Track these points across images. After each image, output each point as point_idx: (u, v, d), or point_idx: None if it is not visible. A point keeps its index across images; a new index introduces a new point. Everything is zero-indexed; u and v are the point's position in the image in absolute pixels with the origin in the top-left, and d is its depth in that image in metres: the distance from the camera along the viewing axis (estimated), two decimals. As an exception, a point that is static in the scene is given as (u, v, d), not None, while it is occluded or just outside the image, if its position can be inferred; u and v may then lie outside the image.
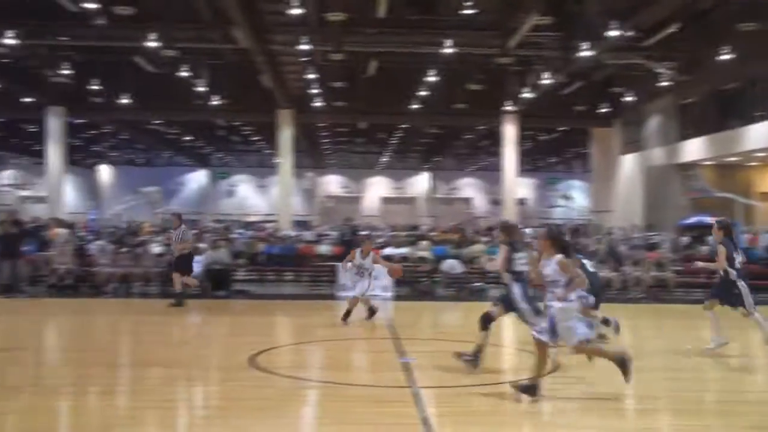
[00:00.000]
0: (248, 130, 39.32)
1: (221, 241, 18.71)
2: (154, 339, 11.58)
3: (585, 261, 10.09)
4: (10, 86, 25.86)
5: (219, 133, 40.59)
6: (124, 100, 27.18)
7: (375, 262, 12.84)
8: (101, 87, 26.24)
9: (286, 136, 29.30)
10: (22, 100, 28.12)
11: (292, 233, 23.51)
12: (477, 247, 19.26)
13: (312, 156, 46.06)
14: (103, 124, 36.84)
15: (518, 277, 9.00)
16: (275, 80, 24.99)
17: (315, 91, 26.90)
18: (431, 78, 24.66)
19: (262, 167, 49.72)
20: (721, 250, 10.23)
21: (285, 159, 29.63)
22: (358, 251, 12.71)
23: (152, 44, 20.42)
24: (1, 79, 24.88)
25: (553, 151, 46.17)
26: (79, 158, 45.16)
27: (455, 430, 6.71)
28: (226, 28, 20.04)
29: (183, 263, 15.40)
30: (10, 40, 19.78)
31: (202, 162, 52.19)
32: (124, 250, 18.26)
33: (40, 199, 32.72)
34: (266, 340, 11.05)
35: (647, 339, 12.51)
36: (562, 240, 7.95)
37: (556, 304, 7.57)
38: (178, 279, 15.21)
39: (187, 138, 42.13)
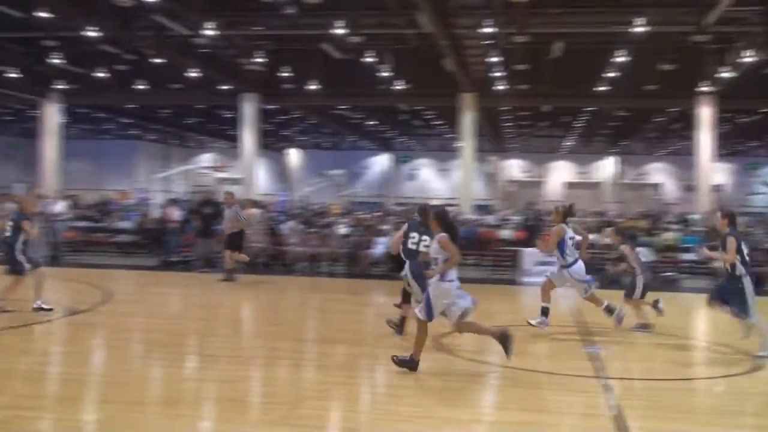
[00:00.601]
0: (430, 114, 39.57)
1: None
2: (340, 317, 11.97)
3: (640, 249, 9.57)
4: (209, 74, 27.48)
5: (402, 118, 41.12)
6: (312, 86, 28.13)
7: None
8: (291, 74, 27.32)
9: (468, 119, 29.23)
10: (219, 87, 29.82)
11: (474, 217, 23.45)
12: (669, 235, 18.37)
13: (494, 140, 45.68)
14: (293, 110, 38.38)
15: (410, 254, 9.39)
16: (458, 64, 24.93)
17: (498, 74, 26.57)
18: (620, 58, 23.67)
19: (444, 151, 49.89)
20: (731, 242, 9.11)
21: (467, 143, 29.57)
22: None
23: (339, 31, 20.97)
24: (200, 68, 26.50)
25: (755, 135, 43.03)
26: (271, 142, 47.29)
27: (646, 424, 6.43)
28: (410, 14, 20.22)
29: (234, 241, 15.99)
30: (209, 31, 21.00)
31: (385, 146, 53.14)
32: (312, 230, 18.96)
33: (235, 181, 34.64)
34: (448, 323, 11.05)
35: None
36: (448, 220, 8.13)
37: (433, 282, 7.82)
38: (229, 256, 15.79)
39: (372, 122, 42.99)
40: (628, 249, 11.17)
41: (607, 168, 51.45)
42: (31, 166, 34.84)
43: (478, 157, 33.90)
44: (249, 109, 29.99)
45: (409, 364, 7.89)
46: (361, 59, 24.55)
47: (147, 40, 22.61)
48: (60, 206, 20.31)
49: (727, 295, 9.20)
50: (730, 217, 9.40)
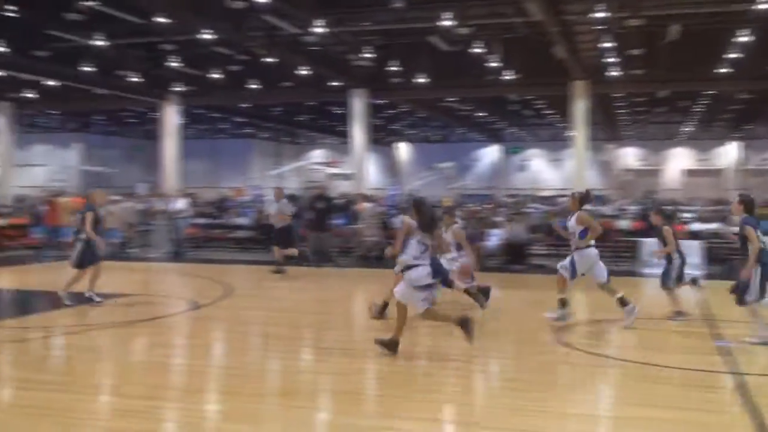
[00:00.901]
0: (541, 103, 38.92)
1: (517, 216, 18.74)
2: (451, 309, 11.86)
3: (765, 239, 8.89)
4: (319, 71, 27.90)
5: (512, 108, 40.63)
6: (421, 80, 28.14)
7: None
8: (399, 68, 27.41)
9: (580, 108, 28.57)
10: (328, 84, 30.24)
11: (589, 207, 22.89)
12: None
13: (607, 128, 44.50)
14: (401, 104, 38.53)
15: None
16: (569, 51, 24.38)
17: (611, 60, 25.82)
18: (742, 38, 22.57)
19: (555, 141, 48.99)
20: (750, 230, 8.66)
21: (579, 132, 28.92)
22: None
23: (446, 23, 20.87)
24: (310, 65, 26.93)
25: None
26: (380, 137, 47.65)
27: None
28: (519, 2, 19.89)
29: (282, 236, 16.05)
30: (318, 29, 21.31)
31: (495, 137, 52.64)
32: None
33: (346, 176, 35.08)
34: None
35: None
36: (422, 208, 8.27)
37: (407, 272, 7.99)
38: (277, 251, 15.87)
39: (481, 114, 42.68)
40: (669, 231, 10.71)
41: (729, 154, 49.27)
42: (153, 166, 36.39)
43: (592, 146, 33.09)
44: (358, 104, 30.29)
45: (390, 346, 8.11)
46: (469, 50, 24.35)
47: (258, 40, 23.15)
48: (181, 204, 21.08)
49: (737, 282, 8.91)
50: (747, 203, 9.04)
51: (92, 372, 7.82)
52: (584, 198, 10.55)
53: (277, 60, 26.23)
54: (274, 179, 47.79)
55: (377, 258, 18.54)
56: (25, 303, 13.69)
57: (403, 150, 54.40)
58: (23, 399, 6.72)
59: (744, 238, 8.81)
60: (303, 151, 55.51)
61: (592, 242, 10.08)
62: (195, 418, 6.20)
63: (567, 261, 10.20)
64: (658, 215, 11.05)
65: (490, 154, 53.70)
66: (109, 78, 28.59)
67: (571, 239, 10.21)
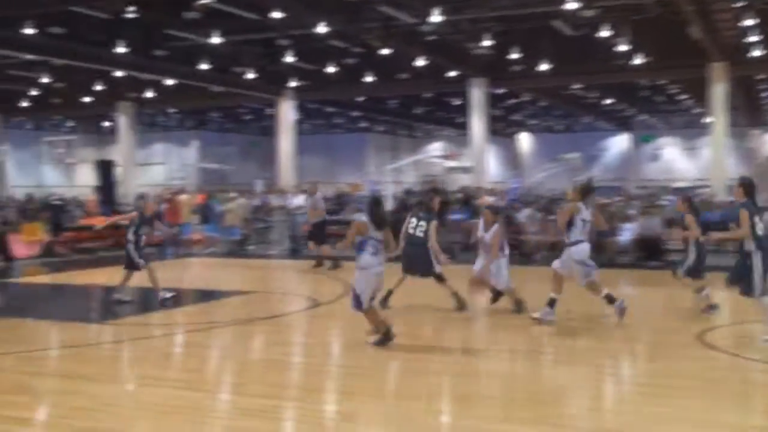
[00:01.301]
0: (674, 88, 37.57)
1: (651, 209, 18.20)
2: (585, 308, 11.62)
3: None
4: (436, 62, 27.93)
5: (642, 94, 39.45)
6: (543, 67, 27.72)
7: None
8: (520, 55, 27.08)
9: (718, 92, 27.42)
10: (446, 74, 30.22)
11: (730, 198, 21.98)
12: None
13: (749, 113, 42.56)
14: (522, 93, 38.09)
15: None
16: (706, 31, 23.43)
17: (753, 39, 24.68)
18: None
19: (691, 128, 47.20)
20: (744, 215, 8.66)
21: (717, 118, 27.77)
22: None
23: (571, 6, 20.47)
24: (427, 56, 26.98)
25: None
26: (500, 128, 47.26)
27: None
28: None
29: (317, 231, 16.37)
30: (436, 18, 21.32)
31: (624, 125, 51.24)
32: (551, 218, 18.67)
33: (465, 170, 34.98)
34: (708, 316, 10.47)
35: None
36: (378, 208, 8.75)
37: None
38: (310, 247, 16.23)
39: (608, 101, 41.67)
40: (692, 219, 10.58)
41: None
42: (269, 163, 37.41)
43: (731, 132, 31.72)
44: (477, 94, 30.14)
45: (382, 342, 8.52)
46: (596, 34, 23.79)
47: (374, 31, 23.39)
48: (298, 200, 21.57)
49: (738, 273, 8.87)
50: (747, 187, 8.99)
51: (214, 369, 8.17)
52: (586, 188, 10.41)
53: (392, 51, 26.43)
54: (391, 174, 48.21)
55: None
56: (147, 300, 14.38)
57: (525, 141, 53.76)
58: (149, 396, 7.07)
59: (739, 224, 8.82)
60: (420, 145, 55.71)
61: (583, 238, 9.91)
62: (315, 418, 6.36)
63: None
64: (685, 202, 11.14)
65: (619, 143, 52.31)
66: (225, 75, 29.63)
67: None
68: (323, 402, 6.89)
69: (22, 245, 20.64)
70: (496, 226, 10.73)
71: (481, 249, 10.91)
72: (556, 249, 17.73)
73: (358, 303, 8.47)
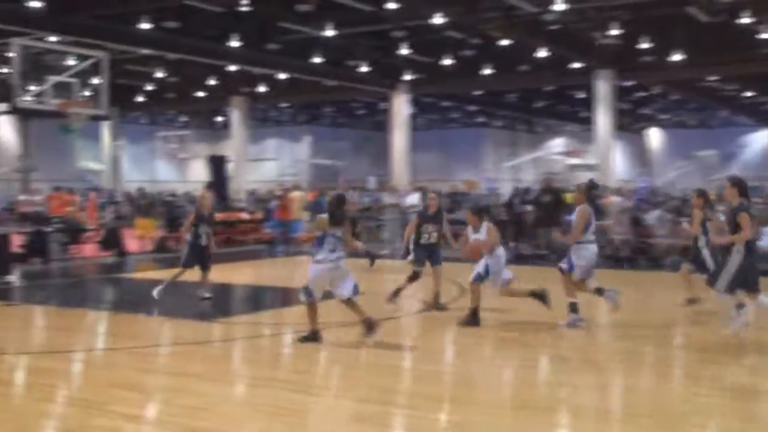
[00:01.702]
0: (824, 79, 35.86)
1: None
2: (695, 318, 11.22)
3: None
4: (559, 53, 27.51)
5: (788, 86, 37.83)
6: (676, 57, 26.87)
7: None
8: (650, 45, 26.35)
9: None
10: (570, 66, 29.72)
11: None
12: None
13: None
14: (653, 85, 37.06)
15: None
16: None
17: None
18: None
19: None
20: (744, 217, 8.65)
21: None
22: None
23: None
24: (549, 47, 26.61)
25: None
26: (628, 123, 46.16)
27: None
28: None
29: None
30: (560, 6, 20.99)
31: (765, 120, 49.18)
32: (683, 219, 18.10)
33: (589, 167, 34.31)
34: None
35: None
36: (339, 206, 9.38)
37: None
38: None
39: (749, 94, 40.08)
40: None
41: None
42: (382, 158, 37.72)
43: None
44: (603, 87, 29.52)
45: (311, 338, 9.27)
46: (735, 21, 22.90)
47: (494, 21, 23.23)
48: (413, 198, 21.68)
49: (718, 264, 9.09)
50: (740, 187, 8.99)
51: (323, 372, 8.32)
52: (591, 188, 10.45)
53: (512, 42, 26.20)
54: (508, 171, 47.81)
55: (628, 258, 17.98)
56: (257, 298, 14.79)
57: (655, 137, 52.30)
58: (257, 397, 7.29)
59: (737, 227, 8.75)
60: (541, 140, 55.01)
61: (591, 237, 10.02)
62: (425, 428, 6.39)
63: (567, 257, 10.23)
64: (699, 199, 11.39)
65: (760, 139, 50.22)
66: (338, 69, 30.09)
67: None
68: (436, 410, 6.88)
69: (134, 240, 21.61)
70: (485, 224, 10.58)
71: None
72: (686, 254, 17.23)
73: (309, 294, 9.10)
